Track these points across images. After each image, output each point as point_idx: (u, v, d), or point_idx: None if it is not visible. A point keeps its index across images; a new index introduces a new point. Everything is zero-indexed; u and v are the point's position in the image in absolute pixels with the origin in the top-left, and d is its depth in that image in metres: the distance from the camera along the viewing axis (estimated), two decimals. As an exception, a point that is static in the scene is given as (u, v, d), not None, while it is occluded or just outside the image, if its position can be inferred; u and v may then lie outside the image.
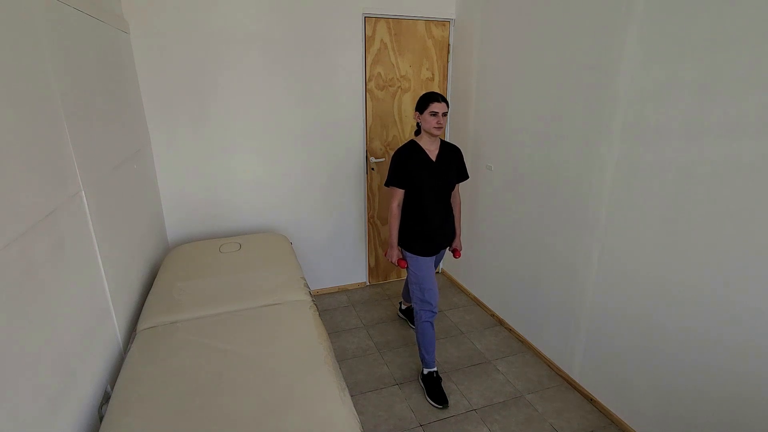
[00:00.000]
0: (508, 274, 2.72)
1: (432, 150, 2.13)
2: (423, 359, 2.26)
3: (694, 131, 1.53)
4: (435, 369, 2.26)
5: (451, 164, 2.18)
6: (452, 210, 2.29)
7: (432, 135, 2.09)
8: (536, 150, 2.34)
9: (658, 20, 1.61)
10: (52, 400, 1.11)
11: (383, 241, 3.32)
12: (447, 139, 3.22)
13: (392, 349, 2.59)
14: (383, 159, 3.13)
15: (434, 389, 2.19)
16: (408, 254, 2.21)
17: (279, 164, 2.87)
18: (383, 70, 2.95)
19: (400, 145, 2.18)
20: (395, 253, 2.23)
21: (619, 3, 1.76)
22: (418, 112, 2.10)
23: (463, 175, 2.29)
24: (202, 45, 2.49)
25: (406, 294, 2.72)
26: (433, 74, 3.08)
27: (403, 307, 2.90)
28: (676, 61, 1.56)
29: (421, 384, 2.28)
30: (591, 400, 2.14)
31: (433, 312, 2.20)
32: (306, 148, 2.90)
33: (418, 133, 2.18)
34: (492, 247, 2.85)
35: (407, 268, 2.25)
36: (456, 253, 2.39)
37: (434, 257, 2.25)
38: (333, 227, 3.14)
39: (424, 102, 2.05)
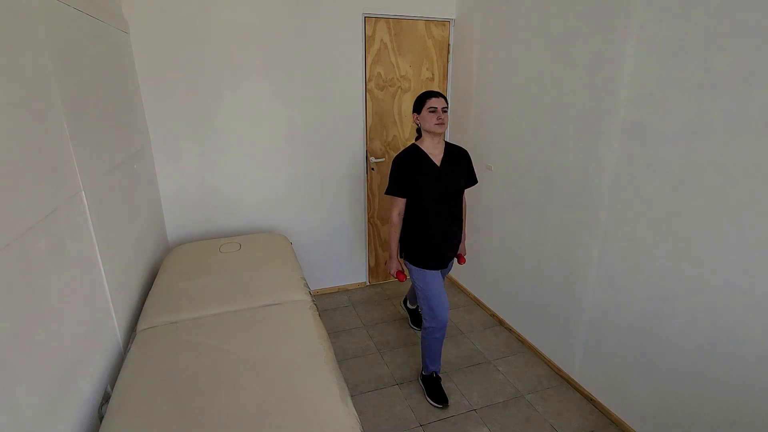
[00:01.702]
0: (508, 274, 2.72)
1: (436, 154, 1.98)
2: (425, 365, 2.23)
3: (694, 130, 1.53)
4: (435, 370, 2.24)
5: (459, 169, 2.03)
6: (460, 218, 2.12)
7: (435, 134, 1.95)
8: (536, 150, 2.34)
9: (658, 20, 1.61)
10: (52, 400, 1.11)
11: (383, 242, 3.32)
12: (446, 140, 3.22)
13: (392, 349, 2.59)
14: (383, 159, 3.13)
15: (434, 389, 2.18)
16: (413, 268, 2.07)
17: (279, 164, 2.86)
18: (383, 70, 2.95)
19: (401, 150, 2.03)
20: (394, 265, 2.12)
21: (619, 2, 1.76)
22: (416, 114, 1.98)
23: (472, 180, 2.14)
24: (201, 45, 2.49)
25: (413, 297, 2.66)
26: (433, 74, 3.08)
27: (410, 306, 2.81)
28: (676, 60, 1.56)
29: (421, 384, 2.27)
30: (591, 400, 2.14)
31: (443, 329, 2.11)
32: (306, 148, 2.90)
33: (419, 137, 2.04)
34: (492, 247, 2.85)
35: (413, 282, 2.11)
36: (460, 258, 2.29)
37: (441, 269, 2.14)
38: (333, 227, 3.14)
39: (420, 101, 1.94)
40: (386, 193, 2.03)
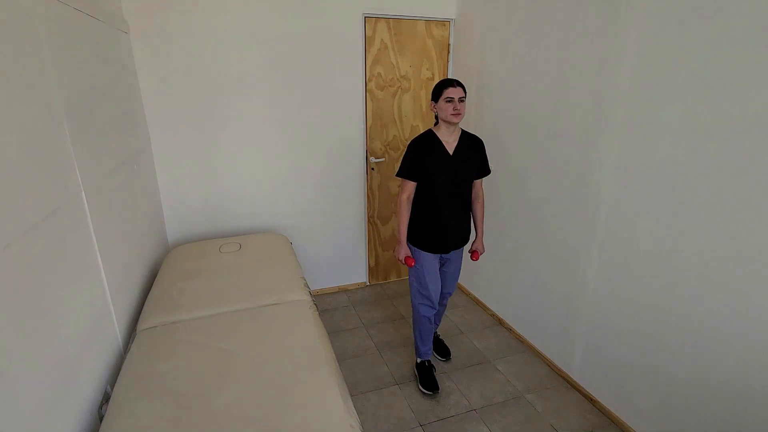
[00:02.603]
0: (507, 274, 2.72)
1: (450, 142, 2.01)
2: (418, 350, 2.30)
3: (694, 130, 1.53)
4: (429, 358, 2.29)
5: (471, 158, 2.05)
6: (469, 208, 2.16)
7: (450, 124, 1.97)
8: (536, 149, 2.34)
9: (658, 19, 1.61)
10: (52, 400, 1.11)
11: (383, 241, 3.32)
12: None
13: (392, 348, 2.59)
14: (383, 159, 3.13)
15: (427, 377, 2.24)
16: (414, 249, 2.13)
17: (279, 164, 2.87)
18: (383, 70, 2.95)
19: (417, 135, 2.05)
20: (403, 250, 2.10)
21: (619, 2, 1.76)
22: (433, 102, 1.99)
23: (485, 170, 2.14)
24: (201, 45, 2.49)
25: (418, 339, 2.30)
26: (433, 74, 3.07)
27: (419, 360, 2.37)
28: (676, 60, 1.56)
29: (415, 372, 2.32)
30: (591, 400, 2.14)
31: (432, 307, 2.19)
32: (306, 148, 2.90)
33: (437, 123, 2.06)
34: (492, 246, 2.84)
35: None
36: (474, 254, 2.23)
37: (441, 257, 2.17)
38: (333, 227, 3.14)
39: (439, 89, 1.95)
40: (397, 174, 2.06)
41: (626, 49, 1.75)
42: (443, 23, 2.99)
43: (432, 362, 2.34)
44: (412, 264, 2.12)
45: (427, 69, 3.05)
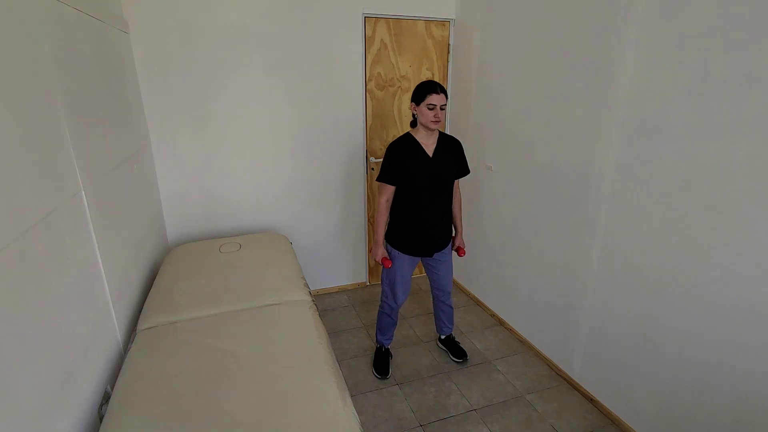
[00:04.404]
0: (508, 274, 2.72)
1: (429, 144, 2.01)
2: (377, 338, 2.43)
3: (694, 130, 1.53)
4: (387, 346, 2.44)
5: (450, 159, 2.07)
6: (449, 209, 2.17)
7: (429, 129, 1.99)
8: (536, 150, 2.34)
9: (658, 19, 1.61)
10: (52, 400, 1.11)
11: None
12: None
13: (392, 348, 2.59)
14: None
15: (380, 362, 2.39)
16: (392, 250, 2.16)
17: (279, 164, 2.87)
18: (383, 70, 2.95)
19: (395, 139, 2.04)
20: (380, 251, 2.15)
21: (619, 3, 1.76)
22: (414, 104, 1.97)
23: (464, 170, 2.17)
24: (201, 45, 2.49)
25: (440, 322, 2.50)
26: (433, 74, 3.07)
27: (442, 336, 2.56)
28: (676, 60, 1.56)
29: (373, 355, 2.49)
30: (591, 400, 2.14)
31: (395, 310, 2.31)
32: (306, 148, 2.90)
33: (414, 125, 2.05)
34: (492, 247, 2.85)
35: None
36: (460, 251, 2.32)
37: (426, 261, 2.25)
38: (333, 227, 3.14)
39: (422, 93, 1.92)
40: (377, 179, 2.07)
41: (626, 48, 1.75)
42: (443, 23, 2.99)
43: (389, 350, 2.48)
44: (389, 265, 2.17)
45: (427, 69, 3.05)
